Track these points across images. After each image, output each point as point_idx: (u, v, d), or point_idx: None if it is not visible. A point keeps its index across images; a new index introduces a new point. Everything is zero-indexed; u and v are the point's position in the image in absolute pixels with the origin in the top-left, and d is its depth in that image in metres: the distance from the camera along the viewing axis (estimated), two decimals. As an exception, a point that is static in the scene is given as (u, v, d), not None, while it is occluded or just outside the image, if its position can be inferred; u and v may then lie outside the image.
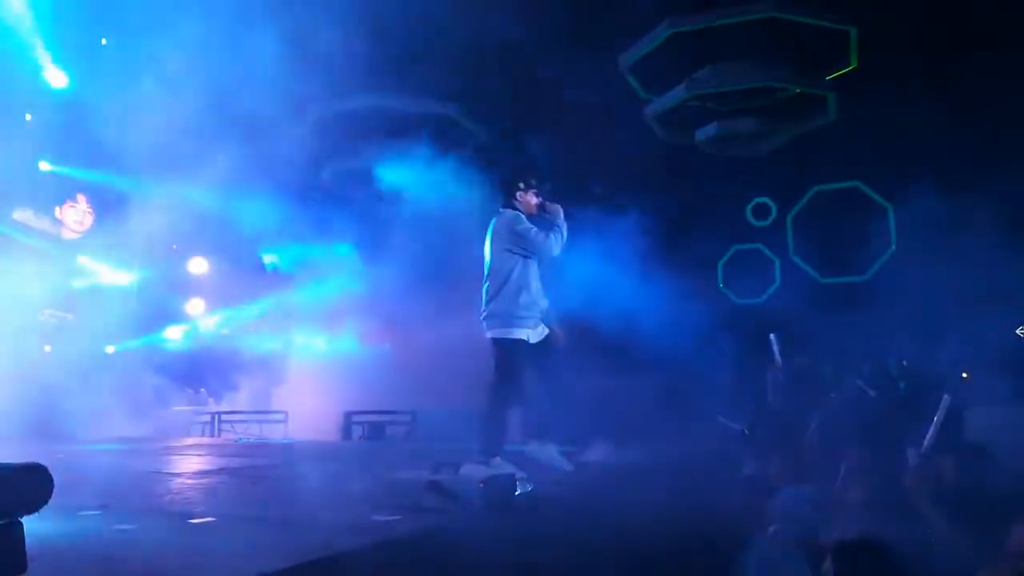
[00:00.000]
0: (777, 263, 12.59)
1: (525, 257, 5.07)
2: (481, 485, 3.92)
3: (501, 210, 5.24)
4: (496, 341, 5.08)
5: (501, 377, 5.07)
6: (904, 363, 8.70)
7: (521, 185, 5.21)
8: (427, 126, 11.92)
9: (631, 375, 10.74)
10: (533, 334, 5.13)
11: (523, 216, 5.16)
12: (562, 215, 5.14)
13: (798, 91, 11.19)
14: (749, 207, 12.77)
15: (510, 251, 5.07)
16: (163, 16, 10.42)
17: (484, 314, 5.16)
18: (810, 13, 10.17)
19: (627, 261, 10.43)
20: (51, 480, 2.25)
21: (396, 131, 11.80)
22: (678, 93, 11.08)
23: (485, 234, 5.31)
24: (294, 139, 10.56)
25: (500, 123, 11.69)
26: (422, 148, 11.54)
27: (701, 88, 10.97)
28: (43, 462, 2.44)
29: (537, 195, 5.22)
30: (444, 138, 11.80)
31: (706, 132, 11.40)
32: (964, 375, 8.38)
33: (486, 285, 5.16)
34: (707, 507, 4.41)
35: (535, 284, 5.11)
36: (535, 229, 5.09)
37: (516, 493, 4.31)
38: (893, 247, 11.77)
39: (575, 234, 5.31)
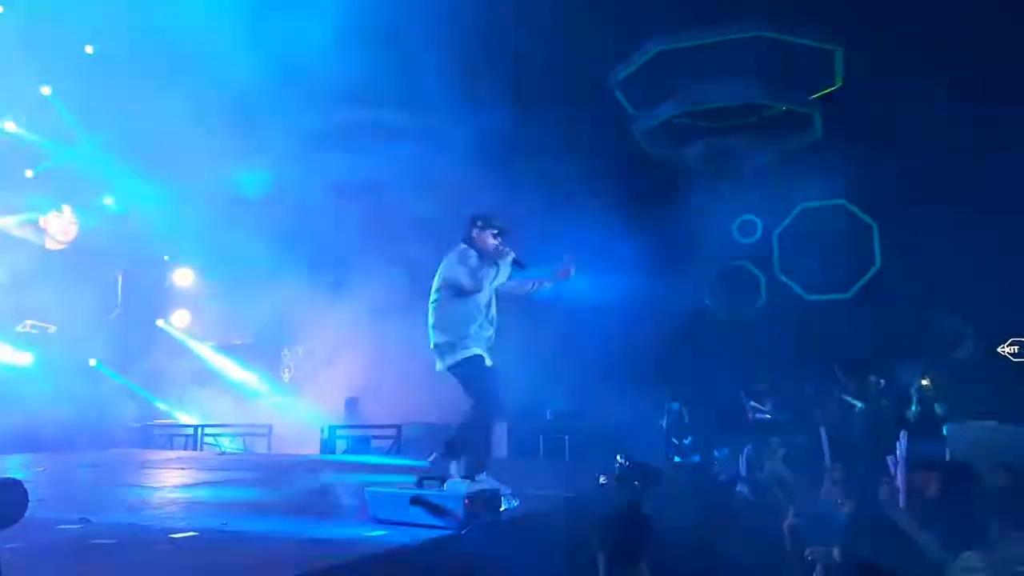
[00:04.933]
0: (763, 280, 12.67)
1: (466, 288, 5.23)
2: (465, 501, 3.91)
3: (458, 243, 5.46)
4: (451, 369, 5.19)
5: (476, 395, 5.16)
6: (881, 381, 8.81)
7: (479, 223, 5.43)
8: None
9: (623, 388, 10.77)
10: (487, 357, 5.25)
11: (472, 251, 5.34)
12: (509, 259, 5.33)
13: (784, 109, 11.31)
14: (735, 224, 12.85)
15: (457, 280, 5.23)
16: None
17: (432, 346, 5.26)
18: (797, 32, 10.30)
19: (614, 279, 10.50)
20: (26, 495, 2.22)
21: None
22: (666, 110, 11.16)
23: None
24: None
25: (487, 137, 11.71)
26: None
27: (689, 105, 11.06)
28: (23, 475, 2.41)
29: (495, 236, 5.42)
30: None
31: (693, 149, 11.48)
32: (924, 381, 8.44)
33: (431, 313, 5.29)
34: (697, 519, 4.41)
35: (480, 315, 5.25)
36: (473, 265, 5.23)
37: (501, 509, 4.30)
38: (878, 264, 11.88)
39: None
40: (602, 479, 4.05)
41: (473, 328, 5.18)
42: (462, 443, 5.02)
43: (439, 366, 5.20)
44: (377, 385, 12.29)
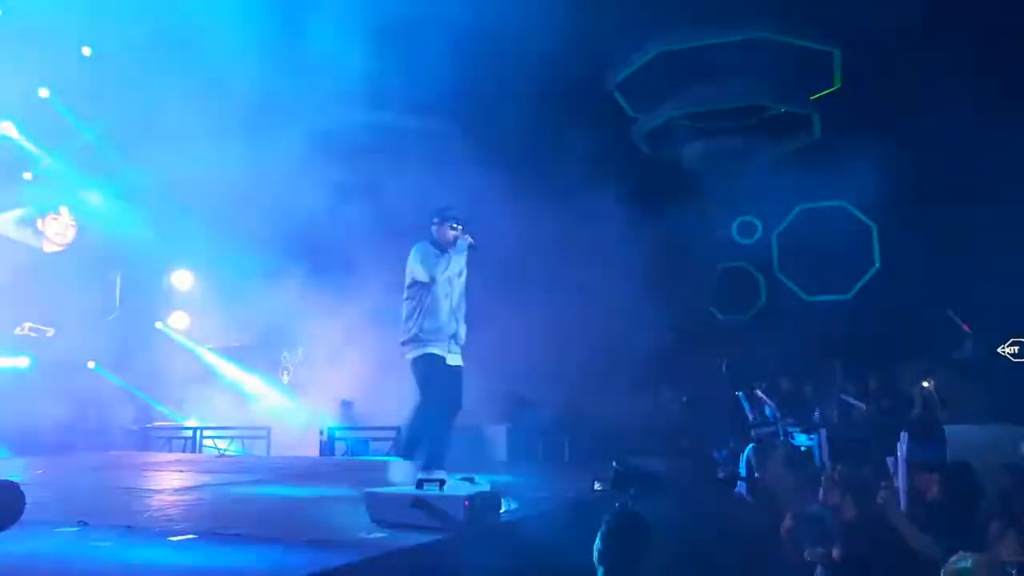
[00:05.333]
0: (762, 280, 12.67)
1: (423, 282, 5.38)
2: (465, 504, 3.89)
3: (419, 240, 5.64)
4: (411, 362, 5.34)
5: (422, 394, 5.31)
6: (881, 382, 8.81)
7: (436, 218, 5.60)
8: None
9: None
10: (449, 356, 5.37)
11: (427, 245, 5.52)
12: (463, 247, 5.50)
13: (783, 110, 11.32)
14: (735, 225, 12.85)
15: (414, 277, 5.42)
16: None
17: (400, 338, 5.43)
18: (795, 34, 10.31)
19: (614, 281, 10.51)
20: (23, 497, 2.20)
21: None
22: (665, 111, 11.17)
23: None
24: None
25: (487, 137, 11.72)
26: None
27: (688, 106, 11.07)
28: (21, 478, 2.40)
29: (453, 228, 5.57)
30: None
31: (693, 150, 11.49)
32: (926, 383, 8.44)
33: (402, 309, 5.46)
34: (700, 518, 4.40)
35: (441, 310, 5.37)
36: (427, 260, 5.39)
37: (501, 511, 4.28)
38: (877, 265, 11.89)
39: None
40: (597, 485, 4.02)
41: (433, 323, 5.31)
42: (413, 443, 5.24)
43: (404, 356, 5.36)
44: (376, 387, 12.27)
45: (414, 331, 5.30)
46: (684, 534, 4.73)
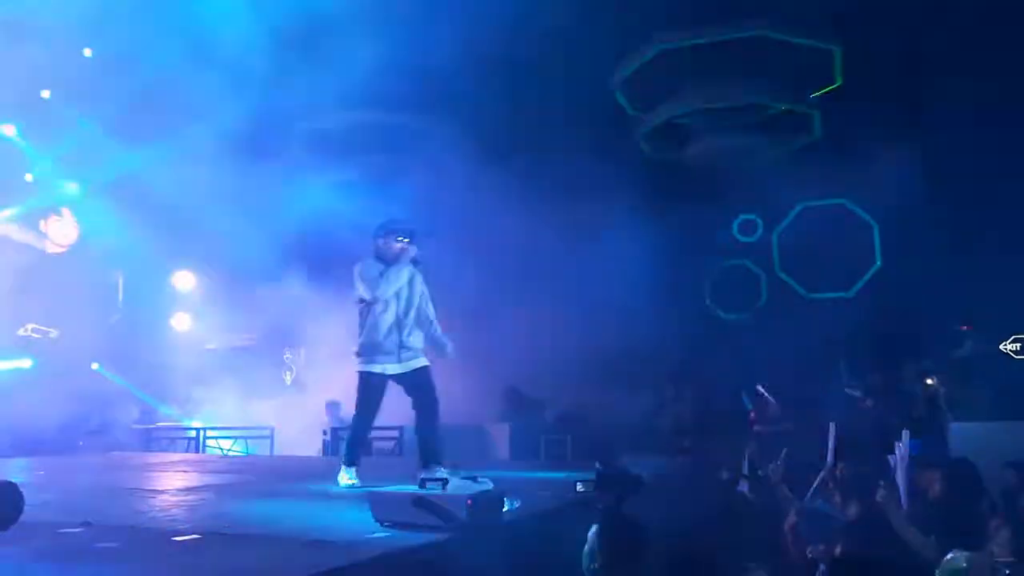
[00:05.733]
0: (763, 279, 12.67)
1: (367, 300, 5.59)
2: (468, 502, 3.90)
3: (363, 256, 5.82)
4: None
5: (356, 403, 5.73)
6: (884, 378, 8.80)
7: (381, 233, 5.74)
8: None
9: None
10: (391, 367, 5.62)
11: (370, 262, 5.67)
12: (404, 261, 5.64)
13: (784, 108, 11.31)
14: (736, 223, 12.85)
15: (360, 295, 5.63)
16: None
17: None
18: (796, 32, 10.30)
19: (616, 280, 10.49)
20: (21, 497, 2.21)
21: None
22: (666, 109, 11.16)
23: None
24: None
25: (488, 139, 11.72)
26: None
27: (689, 105, 11.06)
28: (24, 479, 2.40)
29: (399, 241, 5.71)
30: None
31: (693, 148, 11.48)
32: (928, 380, 8.44)
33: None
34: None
35: (382, 325, 5.57)
36: (368, 278, 5.57)
37: (504, 509, 4.29)
38: (878, 263, 11.89)
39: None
40: (579, 487, 4.05)
41: (373, 339, 5.56)
42: (349, 448, 5.79)
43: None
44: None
45: (357, 346, 5.63)
46: (681, 534, 4.74)
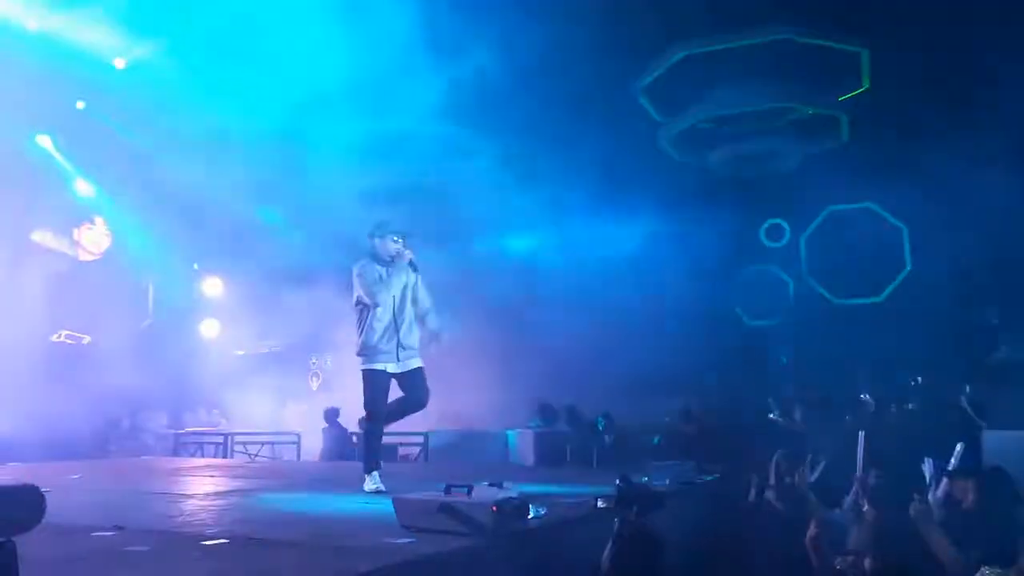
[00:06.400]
0: (791, 284, 12.54)
1: (366, 304, 5.68)
2: (493, 509, 3.90)
3: (360, 257, 5.88)
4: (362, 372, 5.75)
5: (365, 404, 5.75)
6: (913, 382, 8.64)
7: (376, 233, 5.81)
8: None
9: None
10: (390, 366, 5.70)
11: (370, 264, 5.74)
12: (403, 263, 5.72)
13: (811, 112, 11.20)
14: (763, 228, 12.74)
15: (359, 297, 5.71)
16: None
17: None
18: (822, 35, 10.19)
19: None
20: (43, 500, 2.26)
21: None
22: (692, 115, 11.11)
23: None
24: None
25: (509, 145, 11.74)
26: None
27: (714, 110, 10.99)
28: (58, 483, 2.45)
29: (395, 241, 5.78)
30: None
31: (720, 153, 11.41)
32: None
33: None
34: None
35: (379, 326, 5.67)
36: (368, 280, 5.65)
37: (529, 516, 4.28)
38: (908, 267, 11.72)
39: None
40: (600, 503, 4.05)
41: (370, 339, 5.64)
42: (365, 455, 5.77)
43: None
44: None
45: (358, 347, 5.73)
46: (704, 545, 4.69)
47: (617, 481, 4.34)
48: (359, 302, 5.72)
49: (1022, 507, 4.48)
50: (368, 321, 5.67)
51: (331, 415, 11.71)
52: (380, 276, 5.66)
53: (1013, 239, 9.91)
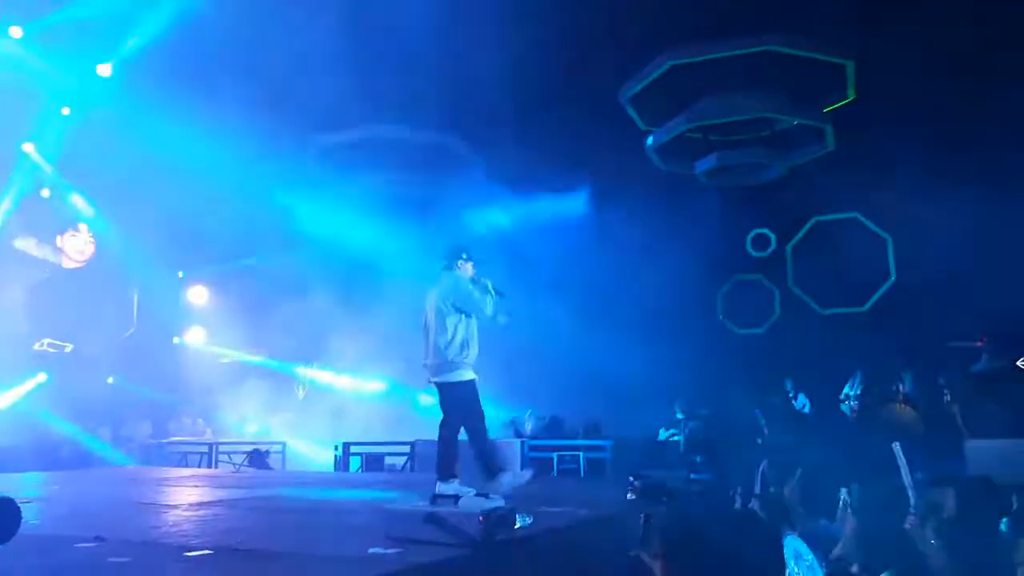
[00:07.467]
0: (776, 294, 12.60)
1: (467, 314, 5.70)
2: (480, 519, 3.88)
3: (446, 271, 5.87)
4: (447, 386, 5.65)
5: (464, 416, 5.63)
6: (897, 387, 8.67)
7: (464, 255, 5.88)
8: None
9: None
10: (476, 377, 5.74)
11: (466, 279, 5.82)
12: (490, 288, 5.82)
13: (796, 123, 11.27)
14: (748, 238, 12.80)
15: (456, 307, 5.67)
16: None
17: (432, 364, 5.71)
18: (808, 46, 10.26)
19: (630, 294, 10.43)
20: (18, 512, 2.23)
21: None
22: (678, 124, 11.15)
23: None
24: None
25: (502, 152, 11.77)
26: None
27: (700, 120, 11.04)
28: (39, 493, 2.42)
29: (474, 267, 5.90)
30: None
31: (705, 163, 11.46)
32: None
33: (433, 336, 5.69)
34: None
35: (473, 338, 5.73)
36: (477, 291, 5.75)
37: (516, 526, 4.27)
38: (893, 278, 11.79)
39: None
40: (630, 495, 4.08)
41: (468, 352, 5.67)
42: (491, 459, 5.55)
43: (433, 379, 5.67)
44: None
45: (453, 356, 5.66)
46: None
47: (631, 478, 4.35)
48: (459, 311, 5.68)
49: (1008, 518, 4.49)
50: (469, 331, 5.70)
51: None
52: (476, 292, 5.77)
53: (995, 250, 10.00)
